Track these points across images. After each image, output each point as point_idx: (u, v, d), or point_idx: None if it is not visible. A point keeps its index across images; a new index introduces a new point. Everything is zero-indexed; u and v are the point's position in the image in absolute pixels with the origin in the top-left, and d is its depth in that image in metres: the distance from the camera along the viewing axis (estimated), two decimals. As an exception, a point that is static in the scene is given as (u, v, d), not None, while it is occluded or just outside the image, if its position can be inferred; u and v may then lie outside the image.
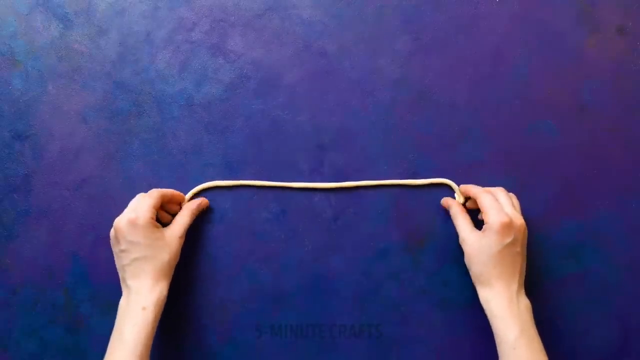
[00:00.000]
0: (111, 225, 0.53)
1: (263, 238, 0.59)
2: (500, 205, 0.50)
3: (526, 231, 0.51)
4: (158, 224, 0.51)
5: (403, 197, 0.59)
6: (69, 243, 0.60)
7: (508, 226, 0.47)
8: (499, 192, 0.52)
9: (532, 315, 0.48)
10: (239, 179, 0.59)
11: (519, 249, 0.48)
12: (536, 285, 0.57)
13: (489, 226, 0.48)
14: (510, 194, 0.53)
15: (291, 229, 0.58)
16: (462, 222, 0.52)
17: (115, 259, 0.51)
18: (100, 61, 0.62)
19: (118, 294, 0.53)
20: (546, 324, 0.56)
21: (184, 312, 0.58)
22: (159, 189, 0.55)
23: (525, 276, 0.53)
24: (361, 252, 0.58)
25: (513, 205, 0.51)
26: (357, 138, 0.59)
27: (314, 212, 0.58)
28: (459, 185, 0.57)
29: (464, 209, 0.54)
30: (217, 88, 0.60)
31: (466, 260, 0.50)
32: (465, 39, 0.60)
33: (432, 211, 0.59)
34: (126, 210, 0.51)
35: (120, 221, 0.50)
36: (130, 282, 0.49)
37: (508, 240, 0.47)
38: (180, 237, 0.52)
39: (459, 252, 0.56)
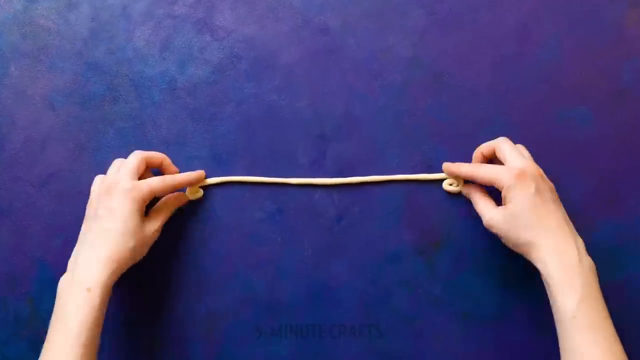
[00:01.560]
0: (81, 226, 0.50)
1: (256, 241, 0.55)
2: (503, 167, 0.46)
3: (544, 177, 0.47)
4: (143, 210, 0.49)
5: (416, 194, 0.55)
6: (34, 247, 0.56)
7: (522, 175, 0.44)
8: (501, 143, 0.47)
9: (597, 277, 0.43)
10: (229, 174, 0.55)
11: (550, 196, 0.44)
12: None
13: (505, 191, 0.45)
14: (519, 145, 0.49)
15: (288, 230, 0.55)
16: (483, 204, 0.48)
17: (83, 223, 0.48)
18: (69, 39, 0.58)
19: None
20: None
21: (167, 325, 0.54)
22: (176, 176, 0.51)
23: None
24: (368, 256, 0.54)
25: (520, 153, 0.47)
26: (364, 126, 0.55)
27: (314, 212, 0.55)
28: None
29: (483, 193, 0.50)
30: (203, 69, 0.56)
31: (503, 237, 0.46)
32: (487, 14, 0.56)
33: (448, 209, 0.54)
34: (120, 172, 0.48)
35: (115, 183, 0.47)
36: (82, 256, 0.45)
37: (531, 190, 0.44)
38: (156, 231, 0.49)
39: (480, 256, 0.52)
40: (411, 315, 0.54)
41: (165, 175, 0.51)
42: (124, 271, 0.47)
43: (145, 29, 0.58)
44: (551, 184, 0.47)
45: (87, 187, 0.54)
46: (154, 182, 0.49)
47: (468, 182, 0.53)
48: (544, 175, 0.47)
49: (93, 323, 0.43)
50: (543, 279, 0.43)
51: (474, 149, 0.53)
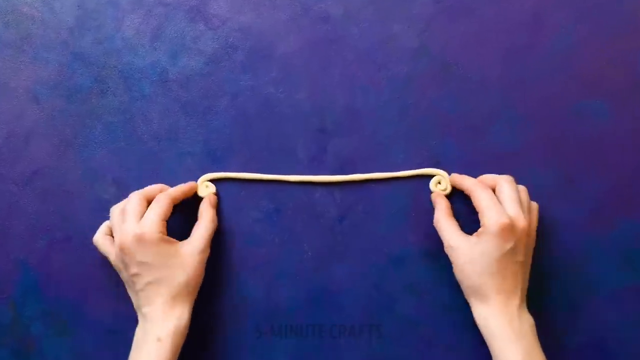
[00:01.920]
0: (68, 227, 0.51)
1: (252, 243, 0.53)
2: (499, 204, 0.45)
3: (532, 235, 0.46)
4: (171, 238, 0.47)
5: (423, 192, 0.52)
6: (17, 248, 0.54)
7: (508, 229, 0.43)
8: (504, 182, 0.46)
9: (536, 335, 0.44)
10: (224, 171, 0.53)
11: (522, 258, 0.45)
12: (583, 300, 0.51)
13: (485, 229, 0.44)
14: (521, 186, 0.48)
15: (287, 231, 0.53)
16: (447, 226, 0.47)
17: (126, 286, 0.48)
18: (54, 27, 0.56)
19: (76, 310, 0.51)
20: (595, 346, 0.50)
21: None
22: (167, 192, 0.49)
23: (568, 289, 0.50)
24: (372, 259, 0.52)
25: (520, 202, 0.46)
26: (367, 120, 0.53)
27: (314, 211, 0.53)
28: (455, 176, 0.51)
29: (450, 210, 0.49)
30: (196, 60, 0.54)
31: (456, 271, 0.46)
32: (498, 1, 0.53)
33: (459, 209, 0.52)
34: (129, 223, 0.46)
35: (126, 239, 0.45)
36: (145, 309, 0.45)
37: (508, 246, 0.43)
38: (202, 252, 0.48)
39: None
40: (417, 322, 0.52)
41: (160, 199, 0.48)
42: (192, 304, 0.47)
43: (135, 17, 0.56)
44: (533, 241, 0.47)
45: (74, 186, 0.54)
46: (157, 213, 0.47)
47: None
48: (531, 231, 0.46)
49: None
50: (484, 335, 0.44)
51: (484, 143, 0.52)
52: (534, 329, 0.44)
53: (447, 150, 0.53)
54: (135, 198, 0.47)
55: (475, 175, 0.51)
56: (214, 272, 0.52)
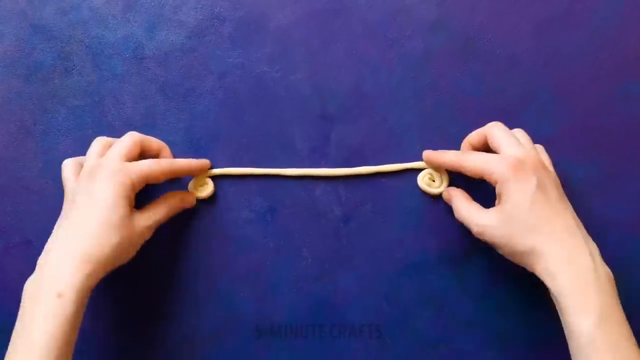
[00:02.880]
0: (26, 229, 0.49)
1: (243, 248, 0.51)
2: (496, 156, 0.42)
3: (553, 173, 0.43)
4: (133, 202, 0.44)
5: None
6: None
7: (520, 166, 0.41)
8: (493, 129, 0.44)
9: (615, 288, 0.40)
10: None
11: (555, 193, 0.41)
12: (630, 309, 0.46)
13: (499, 182, 0.41)
14: (516, 129, 0.46)
15: (283, 234, 0.51)
16: (468, 209, 0.44)
17: (61, 215, 0.44)
18: None
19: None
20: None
21: (134, 353, 0.49)
22: (175, 160, 0.48)
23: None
24: (382, 267, 0.50)
25: (517, 141, 0.43)
26: (377, 104, 0.51)
27: (315, 211, 0.50)
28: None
29: (468, 196, 0.46)
30: (177, 34, 0.52)
31: (499, 248, 0.42)
32: None
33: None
34: (110, 153, 0.44)
35: (104, 166, 0.43)
36: (53, 253, 0.41)
37: (532, 183, 0.40)
38: (148, 228, 0.45)
39: (520, 268, 0.45)
40: (435, 339, 0.49)
41: (160, 158, 0.47)
42: (106, 274, 0.42)
43: (105, -17, 0.52)
44: (556, 178, 0.43)
45: (33, 181, 0.51)
46: (146, 164, 0.44)
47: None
48: (548, 166, 0.44)
49: (64, 336, 0.39)
50: (551, 295, 0.40)
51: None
52: (612, 280, 0.40)
53: None
54: (130, 137, 0.46)
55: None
56: (200, 282, 0.50)
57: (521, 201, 0.40)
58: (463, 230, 0.48)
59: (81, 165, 0.45)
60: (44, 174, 0.50)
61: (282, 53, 0.51)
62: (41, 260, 0.41)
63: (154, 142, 0.47)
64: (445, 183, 0.48)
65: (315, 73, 0.51)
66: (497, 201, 0.42)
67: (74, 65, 0.51)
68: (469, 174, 0.43)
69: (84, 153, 0.49)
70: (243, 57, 0.51)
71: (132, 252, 0.44)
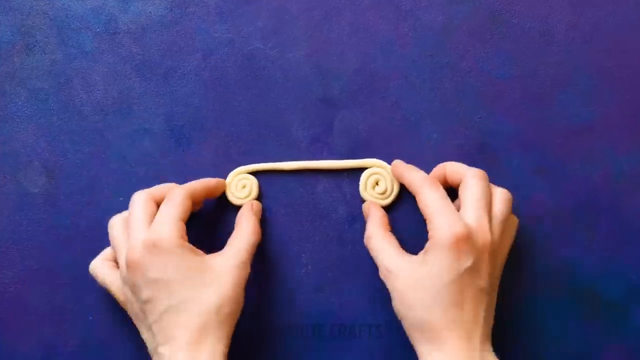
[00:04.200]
0: None
1: None
2: (453, 208, 0.40)
3: (501, 256, 0.42)
4: (194, 247, 0.41)
5: None
6: None
7: (464, 242, 0.38)
8: (470, 178, 0.42)
9: None
10: (193, 156, 0.48)
11: (484, 283, 0.39)
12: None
13: (434, 242, 0.39)
14: (500, 189, 0.43)
15: (279, 238, 0.48)
16: (382, 244, 0.43)
17: (137, 324, 0.42)
18: None
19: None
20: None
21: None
22: (182, 186, 0.44)
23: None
24: None
25: (486, 208, 0.41)
26: (388, 87, 0.48)
27: (316, 210, 0.48)
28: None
29: (387, 224, 0.45)
30: (156, 5, 0.49)
31: (396, 304, 0.41)
32: None
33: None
34: (135, 231, 0.41)
35: (135, 251, 0.40)
36: (162, 349, 0.39)
37: (465, 264, 0.38)
38: (240, 267, 0.42)
39: (556, 276, 0.44)
40: None
41: (170, 195, 0.43)
42: (232, 333, 0.41)
43: (72, -55, 0.49)
44: (501, 265, 0.42)
45: None
46: (171, 216, 0.41)
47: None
48: (500, 251, 0.41)
49: None
50: None
51: (548, 119, 0.48)
52: None
53: (496, 126, 0.47)
54: (139, 199, 0.42)
55: (539, 162, 0.46)
56: None
57: (443, 274, 0.39)
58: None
59: (110, 260, 0.44)
60: (1, 167, 0.47)
61: (277, 27, 0.48)
62: (156, 358, 0.39)
63: (162, 190, 0.44)
64: (395, 188, 0.46)
65: (316, 50, 0.48)
66: (421, 252, 0.40)
67: (36, 42, 0.48)
68: (418, 206, 0.41)
69: (50, 144, 0.48)
70: (232, 32, 0.48)
71: (239, 295, 0.41)
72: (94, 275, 0.43)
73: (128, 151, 0.47)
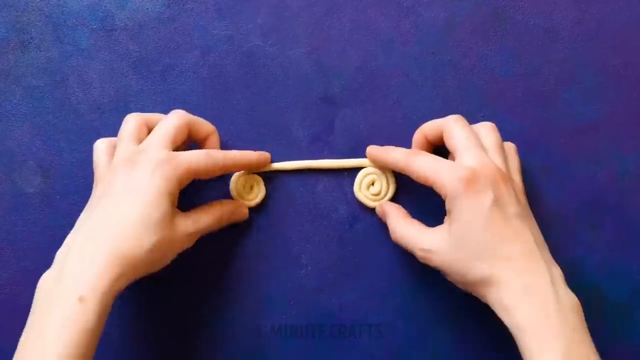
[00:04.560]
0: None
1: (231, 252, 0.47)
2: (448, 161, 0.40)
3: (517, 181, 0.41)
4: (176, 202, 0.41)
5: None
6: None
7: (473, 181, 0.38)
8: (451, 125, 0.41)
9: (582, 318, 0.38)
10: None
11: (515, 208, 0.38)
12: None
13: (449, 199, 0.39)
14: (482, 123, 0.42)
15: (278, 238, 0.48)
16: (409, 230, 0.42)
17: (87, 206, 0.41)
18: None
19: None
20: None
21: None
22: (230, 153, 0.44)
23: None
24: (396, 278, 0.47)
25: (477, 144, 0.40)
26: (389, 85, 0.48)
27: (316, 210, 0.47)
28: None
29: (406, 213, 0.44)
30: (153, 2, 0.49)
31: (450, 276, 0.40)
32: None
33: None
34: (153, 139, 0.41)
35: (144, 155, 0.40)
36: (76, 249, 0.38)
37: (487, 200, 0.37)
38: (190, 236, 0.42)
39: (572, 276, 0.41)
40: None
41: (212, 150, 0.44)
42: (135, 279, 0.40)
43: (68, -60, 0.49)
44: (521, 189, 0.41)
45: None
46: (196, 157, 0.41)
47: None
48: (514, 173, 0.41)
49: (82, 347, 0.36)
50: (509, 328, 0.38)
51: (552, 117, 0.48)
52: (578, 309, 0.37)
53: (499, 125, 0.45)
54: (177, 119, 0.42)
55: (543, 161, 0.45)
56: (177, 294, 0.47)
57: (473, 221, 0.38)
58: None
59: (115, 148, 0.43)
60: (-4, 168, 0.46)
61: (277, 24, 0.48)
62: (61, 255, 0.39)
63: (203, 126, 0.44)
64: (391, 187, 0.45)
65: (316, 48, 0.48)
66: (445, 218, 0.40)
67: (32, 38, 0.48)
68: (416, 179, 0.41)
69: (45, 143, 0.48)
70: (231, 29, 0.48)
71: (167, 259, 0.41)
72: (94, 151, 0.43)
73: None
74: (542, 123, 0.46)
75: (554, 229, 0.45)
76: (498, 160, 0.39)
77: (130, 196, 0.39)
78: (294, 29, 0.48)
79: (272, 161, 0.47)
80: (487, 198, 0.37)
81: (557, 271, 0.39)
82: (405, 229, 0.42)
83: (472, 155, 0.39)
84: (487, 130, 0.42)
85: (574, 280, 0.44)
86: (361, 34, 0.47)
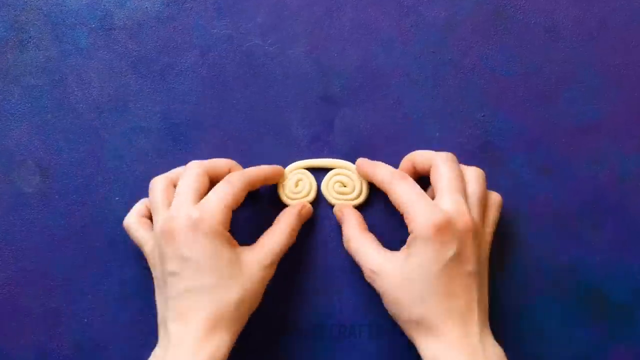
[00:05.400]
0: None
1: None
2: (427, 197, 0.39)
3: (486, 237, 0.41)
4: (231, 238, 0.41)
5: None
6: None
7: (445, 229, 0.38)
8: (439, 163, 0.41)
9: None
10: (189, 155, 0.47)
11: (472, 267, 0.38)
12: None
13: (414, 235, 0.38)
14: (472, 168, 0.42)
15: None
16: (362, 245, 0.42)
17: (155, 287, 0.41)
18: None
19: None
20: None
21: None
22: (243, 171, 0.43)
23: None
24: None
25: (460, 191, 0.40)
26: (390, 84, 0.47)
27: (316, 210, 0.47)
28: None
29: (364, 224, 0.44)
30: (152, 1, 0.49)
31: (387, 303, 0.40)
32: None
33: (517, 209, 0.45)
34: (182, 202, 0.40)
35: (175, 221, 0.39)
36: (172, 326, 0.39)
37: (450, 252, 0.38)
38: (268, 268, 0.42)
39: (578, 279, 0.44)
40: None
41: (229, 175, 0.42)
42: (240, 331, 0.40)
43: (66, -62, 0.49)
44: (487, 244, 0.41)
45: None
46: (220, 199, 0.40)
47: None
48: (483, 230, 0.40)
49: None
50: None
51: (553, 117, 0.47)
52: None
53: (500, 125, 0.46)
54: (194, 170, 0.41)
55: (544, 161, 0.45)
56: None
57: (430, 266, 0.38)
58: (497, 236, 0.43)
59: (146, 216, 0.43)
60: (-5, 168, 0.46)
61: (277, 23, 0.47)
62: (164, 335, 0.39)
63: (220, 166, 0.43)
64: (364, 189, 0.45)
65: (316, 47, 0.47)
66: (404, 248, 0.39)
67: (30, 38, 0.47)
68: (391, 201, 0.40)
69: (44, 143, 0.48)
70: (231, 28, 0.47)
71: (259, 295, 0.41)
72: (127, 231, 0.43)
73: (124, 150, 0.46)
74: (543, 122, 0.46)
75: (554, 229, 0.45)
76: (475, 212, 0.39)
77: (191, 271, 0.38)
78: (294, 28, 0.47)
79: (272, 161, 0.47)
80: (450, 251, 0.37)
81: (486, 329, 0.39)
82: (360, 243, 0.42)
83: (451, 201, 0.39)
84: (474, 177, 0.41)
85: (574, 281, 0.45)
86: (361, 33, 0.47)
